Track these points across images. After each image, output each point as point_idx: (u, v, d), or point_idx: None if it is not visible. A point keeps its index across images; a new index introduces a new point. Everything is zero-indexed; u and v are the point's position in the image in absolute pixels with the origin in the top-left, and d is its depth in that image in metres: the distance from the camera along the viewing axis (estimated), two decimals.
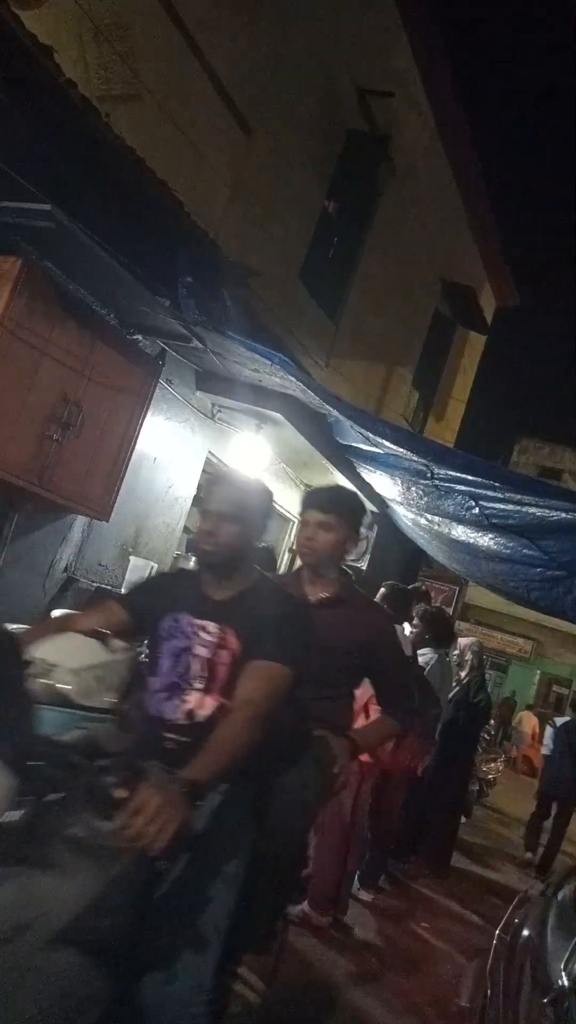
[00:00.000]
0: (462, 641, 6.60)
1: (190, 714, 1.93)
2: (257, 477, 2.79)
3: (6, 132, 3.33)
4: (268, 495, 2.21)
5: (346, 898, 4.37)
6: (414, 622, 5.48)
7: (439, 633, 5.37)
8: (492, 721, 13.33)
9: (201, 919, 1.70)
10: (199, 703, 1.94)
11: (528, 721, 16.16)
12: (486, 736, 10.93)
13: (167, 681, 1.97)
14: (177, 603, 2.06)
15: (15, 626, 3.63)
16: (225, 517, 2.04)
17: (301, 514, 2.54)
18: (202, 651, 1.97)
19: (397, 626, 4.42)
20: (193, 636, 1.99)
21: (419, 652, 5.17)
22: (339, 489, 2.66)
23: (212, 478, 3.82)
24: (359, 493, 3.02)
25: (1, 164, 3.35)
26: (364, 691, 4.06)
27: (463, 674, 6.20)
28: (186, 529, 6.33)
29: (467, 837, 7.62)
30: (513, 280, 11.54)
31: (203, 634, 1.98)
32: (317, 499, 2.50)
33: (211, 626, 1.99)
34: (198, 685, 1.95)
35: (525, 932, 2.57)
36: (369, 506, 7.27)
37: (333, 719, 2.38)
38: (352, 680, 2.53)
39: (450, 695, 5.83)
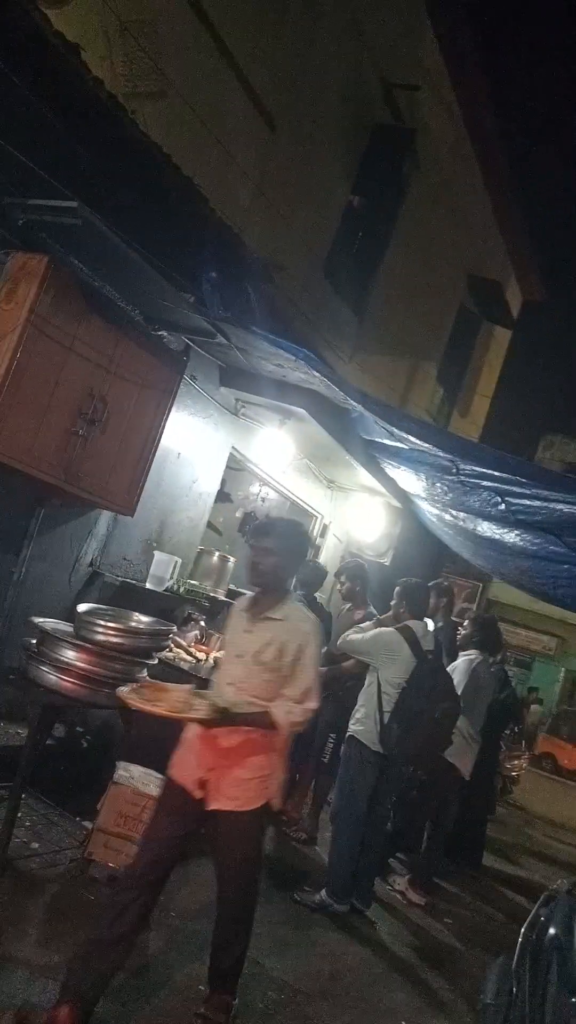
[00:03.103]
0: None
1: None
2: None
3: (34, 130, 3.36)
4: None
5: (370, 891, 4.40)
6: (464, 623, 5.52)
7: (488, 638, 5.41)
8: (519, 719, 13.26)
9: None
10: None
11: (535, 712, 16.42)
12: (508, 733, 10.86)
13: None
14: None
15: (41, 620, 3.69)
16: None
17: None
18: None
19: (418, 621, 4.44)
20: None
21: (464, 653, 5.21)
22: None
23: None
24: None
25: (29, 162, 3.39)
26: None
27: None
28: (209, 524, 6.35)
29: (491, 834, 7.59)
30: (540, 274, 11.42)
31: None
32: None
33: None
34: None
35: (552, 930, 2.55)
36: (393, 502, 7.25)
37: None
38: None
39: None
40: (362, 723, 4.25)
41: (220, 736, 2.72)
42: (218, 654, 5.36)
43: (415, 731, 4.17)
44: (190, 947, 3.26)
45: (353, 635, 4.43)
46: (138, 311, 4.52)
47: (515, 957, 2.56)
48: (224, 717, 2.64)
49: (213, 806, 2.71)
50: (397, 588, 4.55)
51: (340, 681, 4.88)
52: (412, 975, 3.89)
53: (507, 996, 2.45)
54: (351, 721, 4.33)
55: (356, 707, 4.33)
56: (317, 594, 5.73)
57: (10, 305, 3.68)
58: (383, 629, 4.37)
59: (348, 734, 4.32)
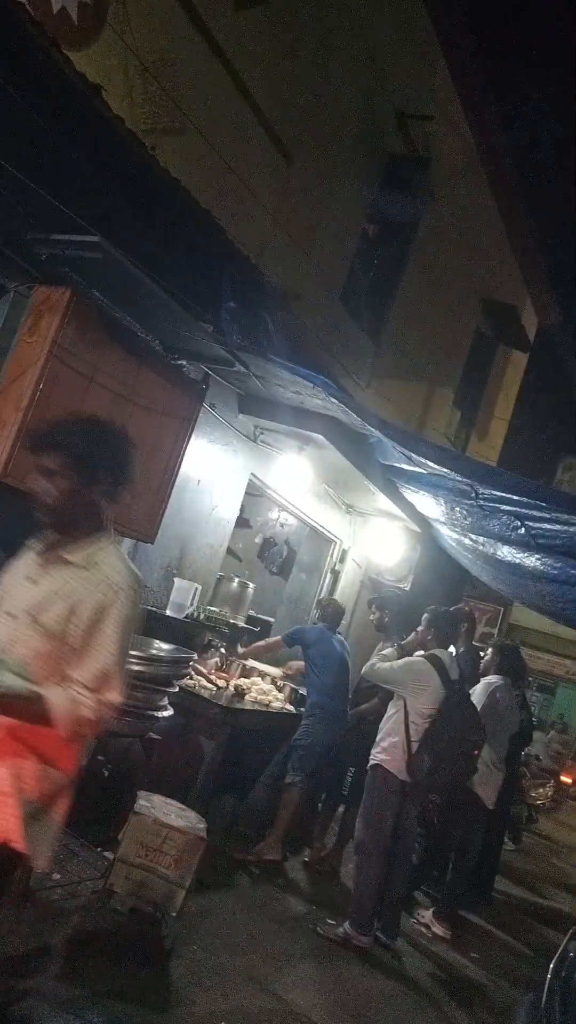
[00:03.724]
0: None
1: None
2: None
3: (57, 168, 3.44)
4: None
5: (395, 923, 4.33)
6: (487, 650, 5.51)
7: (510, 665, 5.39)
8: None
9: None
10: None
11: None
12: (536, 760, 10.67)
13: None
14: None
15: None
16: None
17: None
18: None
19: (444, 650, 4.41)
20: None
21: (487, 679, 5.19)
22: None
23: None
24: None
25: (52, 199, 3.46)
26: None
27: None
28: (229, 551, 6.37)
29: (517, 865, 7.46)
30: (555, 297, 11.45)
31: None
32: None
33: None
34: None
35: None
36: (412, 527, 7.23)
37: None
38: None
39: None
40: (388, 752, 4.19)
41: None
42: (239, 682, 5.35)
43: (445, 763, 4.13)
44: (212, 982, 3.21)
45: (380, 663, 4.39)
46: (158, 341, 4.58)
47: (544, 995, 2.50)
48: None
49: None
50: (425, 616, 4.54)
51: (367, 717, 4.87)
52: (439, 1012, 3.80)
53: None
54: (375, 749, 4.28)
55: (380, 736, 4.29)
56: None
57: (33, 338, 3.75)
58: (413, 659, 4.32)
59: (373, 763, 4.26)
